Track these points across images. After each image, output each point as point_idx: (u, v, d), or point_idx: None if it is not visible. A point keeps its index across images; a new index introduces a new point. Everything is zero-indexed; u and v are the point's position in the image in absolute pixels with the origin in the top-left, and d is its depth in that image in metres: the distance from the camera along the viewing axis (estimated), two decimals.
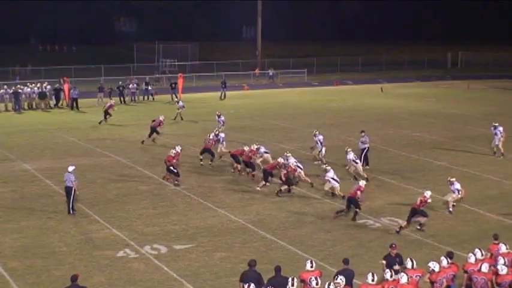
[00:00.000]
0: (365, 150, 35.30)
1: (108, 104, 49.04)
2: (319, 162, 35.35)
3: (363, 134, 35.76)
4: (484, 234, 24.08)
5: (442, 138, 43.60)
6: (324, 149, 35.90)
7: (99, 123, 47.66)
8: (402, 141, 42.15)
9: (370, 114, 53.14)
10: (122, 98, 58.55)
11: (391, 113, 53.75)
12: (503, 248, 19.50)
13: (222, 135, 36.91)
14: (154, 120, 40.91)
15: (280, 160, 31.46)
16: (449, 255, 19.00)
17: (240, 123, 48.38)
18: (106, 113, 48.07)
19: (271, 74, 78.15)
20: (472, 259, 18.74)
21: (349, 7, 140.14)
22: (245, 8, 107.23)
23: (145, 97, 61.17)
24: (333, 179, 29.47)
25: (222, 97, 62.05)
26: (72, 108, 55.38)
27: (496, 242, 20.04)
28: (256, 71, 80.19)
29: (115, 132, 44.93)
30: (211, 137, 35.80)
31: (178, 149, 32.45)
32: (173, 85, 61.59)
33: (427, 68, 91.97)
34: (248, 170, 33.14)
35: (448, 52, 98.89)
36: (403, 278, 17.28)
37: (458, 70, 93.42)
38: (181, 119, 50.01)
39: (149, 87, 61.56)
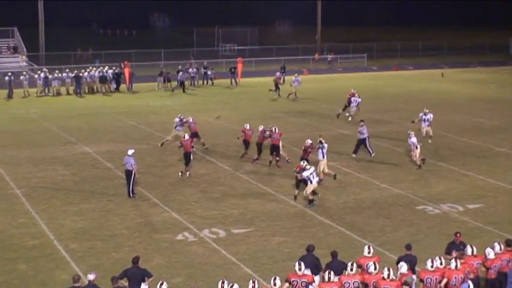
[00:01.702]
0: (365, 140, 33.96)
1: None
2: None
3: (362, 123, 34.31)
4: None
5: (503, 124, 42.94)
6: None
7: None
8: (462, 127, 41.59)
9: (429, 99, 52.52)
10: (180, 83, 58.92)
11: (451, 99, 53.10)
12: None
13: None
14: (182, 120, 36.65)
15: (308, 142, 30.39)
16: (508, 242, 18.72)
17: (299, 107, 48.33)
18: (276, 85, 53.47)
19: (329, 59, 77.79)
20: None
21: None
22: None
23: (205, 81, 61.46)
24: (308, 178, 26.41)
25: (282, 82, 61.96)
26: (183, 90, 56.30)
27: None
28: (316, 55, 79.94)
29: (173, 117, 45.22)
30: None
31: (187, 136, 31.39)
32: (233, 69, 61.73)
33: (488, 53, 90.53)
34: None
35: (511, 37, 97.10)
36: (452, 264, 17.12)
37: None
38: (296, 96, 52.72)
39: (208, 72, 61.81)
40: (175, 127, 35.87)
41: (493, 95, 55.67)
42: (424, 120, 37.42)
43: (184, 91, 56.27)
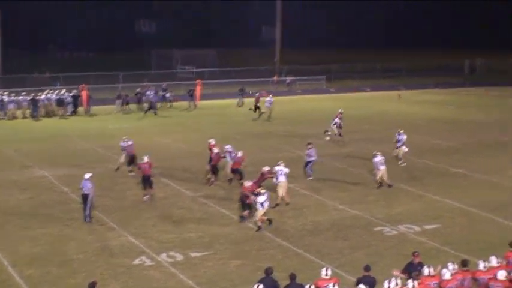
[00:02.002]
0: (310, 164, 34.02)
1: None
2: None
3: (310, 146, 34.43)
4: (501, 242, 23.91)
5: (459, 145, 43.44)
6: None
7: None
8: (421, 148, 41.92)
9: (387, 121, 52.98)
10: (139, 105, 58.73)
11: (409, 120, 53.47)
12: None
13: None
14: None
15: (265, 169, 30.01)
16: (464, 262, 18.91)
17: (258, 129, 48.42)
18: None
19: (288, 81, 78.16)
20: (481, 266, 18.67)
21: (367, 14, 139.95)
22: (264, 12, 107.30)
23: (164, 104, 61.29)
24: (261, 204, 26.25)
25: (240, 104, 62.06)
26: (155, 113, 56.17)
27: None
28: (275, 78, 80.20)
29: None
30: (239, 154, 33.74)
31: (146, 159, 30.86)
32: (191, 92, 61.66)
33: (445, 75, 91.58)
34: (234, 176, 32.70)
35: (466, 59, 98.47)
36: (409, 285, 17.26)
37: (477, 76, 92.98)
38: (270, 116, 53.78)
39: (167, 94, 61.66)
40: (123, 150, 35.75)
41: (451, 116, 56.33)
42: (399, 141, 38.04)
43: (156, 113, 56.22)
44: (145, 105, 57.92)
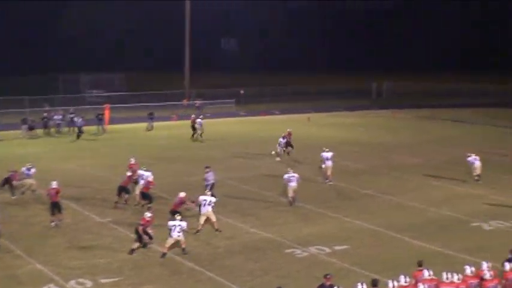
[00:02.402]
0: (209, 187, 33.62)
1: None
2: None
3: (208, 170, 34.49)
4: (409, 261, 24.38)
5: (368, 167, 44.19)
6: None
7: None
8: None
9: (299, 144, 53.46)
10: (46, 130, 57.76)
11: (319, 142, 53.95)
12: (426, 274, 19.88)
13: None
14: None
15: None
16: (374, 282, 19.23)
17: (169, 154, 48.22)
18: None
19: (198, 104, 78.17)
20: (390, 285, 19.05)
21: (276, 37, 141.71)
22: (175, 37, 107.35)
23: (71, 128, 60.29)
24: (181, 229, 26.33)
25: (149, 128, 61.69)
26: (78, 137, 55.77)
27: (420, 268, 20.38)
28: (185, 101, 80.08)
29: (38, 165, 44.15)
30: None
31: (54, 184, 30.43)
32: (100, 116, 60.94)
33: (353, 98, 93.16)
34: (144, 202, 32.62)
35: (373, 82, 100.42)
36: None
37: (383, 100, 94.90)
38: (201, 136, 55.40)
39: (75, 118, 60.66)
40: (27, 175, 35.35)
41: (360, 138, 57.24)
42: (327, 159, 39.37)
43: (78, 137, 55.65)
44: (52, 130, 57.07)
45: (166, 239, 26.27)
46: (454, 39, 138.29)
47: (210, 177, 34.17)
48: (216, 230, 29.10)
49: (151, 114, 63.18)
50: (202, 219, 29.19)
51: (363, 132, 60.96)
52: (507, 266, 20.42)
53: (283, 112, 77.20)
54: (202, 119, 57.55)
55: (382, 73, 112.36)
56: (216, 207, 32.24)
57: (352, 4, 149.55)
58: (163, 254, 25.94)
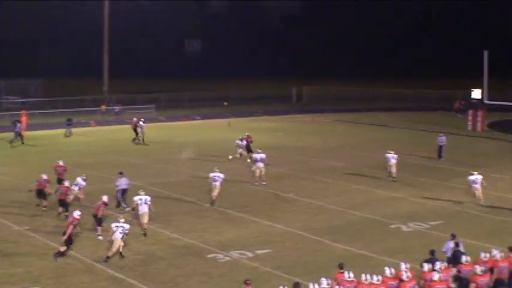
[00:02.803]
0: (121, 192, 33.68)
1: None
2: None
3: (120, 175, 34.26)
4: (330, 264, 24.68)
5: (288, 171, 44.48)
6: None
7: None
8: (250, 174, 42.52)
9: (218, 149, 53.57)
10: None
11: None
12: (346, 276, 20.14)
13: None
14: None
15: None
16: (296, 286, 19.38)
17: (88, 160, 47.62)
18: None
19: (117, 110, 77.49)
20: None
21: (192, 41, 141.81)
22: (92, 42, 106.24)
23: None
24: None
25: (68, 134, 60.82)
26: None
27: (341, 270, 20.62)
28: (103, 107, 79.24)
29: None
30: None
31: None
32: (16, 123, 59.75)
33: (273, 103, 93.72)
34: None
35: (293, 87, 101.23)
36: None
37: (303, 104, 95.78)
38: (143, 141, 55.96)
39: None
40: None
41: (279, 142, 57.58)
42: (257, 160, 39.90)
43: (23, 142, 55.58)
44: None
45: (110, 242, 26.22)
46: (371, 44, 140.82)
47: (122, 182, 33.84)
48: (144, 233, 29.00)
49: (69, 120, 62.28)
50: (144, 219, 29.29)
51: (282, 137, 61.35)
52: (425, 266, 20.84)
53: (204, 117, 77.17)
54: (143, 122, 57.68)
55: (303, 78, 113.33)
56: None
57: (270, 8, 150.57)
58: (107, 258, 25.94)
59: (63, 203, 32.07)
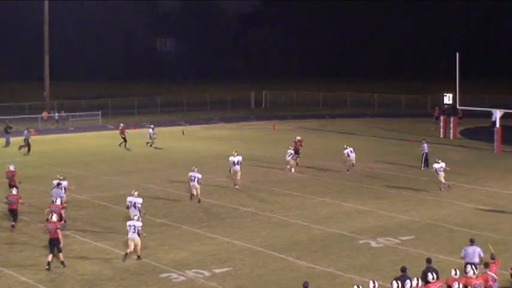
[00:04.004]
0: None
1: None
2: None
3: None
4: (294, 283, 24.78)
5: (248, 183, 44.46)
6: None
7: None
8: (207, 187, 42.47)
9: (170, 159, 53.47)
10: None
11: (195, 157, 54.14)
12: None
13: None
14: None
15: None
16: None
17: (27, 173, 47.12)
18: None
19: (57, 117, 76.91)
20: None
21: (142, 42, 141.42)
22: (32, 45, 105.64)
23: None
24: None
25: (6, 143, 60.19)
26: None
27: None
28: (44, 114, 78.60)
29: None
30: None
31: None
32: None
33: (230, 108, 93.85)
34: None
35: (252, 91, 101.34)
36: None
37: (263, 110, 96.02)
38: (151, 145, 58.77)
39: None
40: None
41: (238, 152, 57.46)
42: (235, 163, 42.18)
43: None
44: None
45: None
46: (332, 46, 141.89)
47: (55, 193, 33.84)
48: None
49: (8, 128, 61.61)
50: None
51: (240, 146, 61.36)
52: (395, 284, 20.97)
53: (155, 125, 76.77)
54: (153, 128, 60.28)
55: (261, 82, 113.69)
56: (83, 230, 31.95)
57: (227, 8, 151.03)
58: (126, 254, 27.90)
59: (13, 212, 32.54)
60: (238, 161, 42.41)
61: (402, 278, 21.55)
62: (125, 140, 59.25)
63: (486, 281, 22.22)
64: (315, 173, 48.36)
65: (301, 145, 51.45)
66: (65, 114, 78.04)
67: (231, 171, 42.77)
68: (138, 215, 30.21)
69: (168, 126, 75.78)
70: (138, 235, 28.11)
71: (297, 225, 34.32)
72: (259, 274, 27.05)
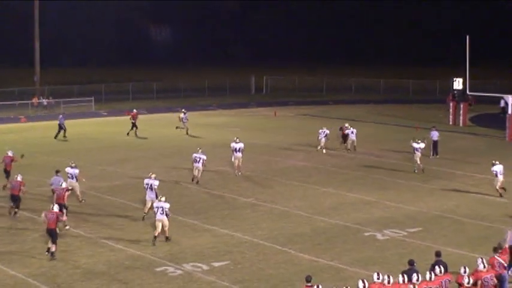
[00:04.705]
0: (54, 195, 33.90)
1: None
2: None
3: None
4: (296, 277, 24.79)
5: (248, 172, 44.45)
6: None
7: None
8: (203, 176, 42.43)
9: (167, 147, 53.45)
10: None
11: (189, 145, 54.09)
12: None
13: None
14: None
15: None
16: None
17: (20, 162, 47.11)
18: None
19: (45, 103, 76.82)
20: None
21: (140, 27, 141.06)
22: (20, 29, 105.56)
23: None
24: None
25: None
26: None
27: (309, 284, 20.64)
28: (35, 100, 78.49)
29: None
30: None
31: None
32: None
33: (229, 95, 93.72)
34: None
35: (252, 76, 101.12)
36: None
37: (264, 96, 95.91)
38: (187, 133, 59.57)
39: None
40: None
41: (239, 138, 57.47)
42: (236, 150, 43.26)
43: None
44: None
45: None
46: (336, 30, 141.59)
47: (55, 182, 34.23)
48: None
49: None
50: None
51: (240, 133, 61.16)
52: (400, 278, 20.95)
53: (151, 111, 76.77)
54: (185, 113, 60.66)
55: (262, 67, 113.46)
56: (76, 222, 31.99)
57: None
58: (155, 238, 29.53)
59: (15, 199, 33.18)
60: (240, 148, 43.14)
61: (410, 271, 21.54)
62: (136, 127, 59.16)
63: (493, 266, 22.27)
64: (316, 161, 48.31)
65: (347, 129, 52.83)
66: (53, 100, 77.85)
67: (233, 159, 43.29)
68: (155, 198, 32.04)
69: (164, 113, 75.69)
70: (167, 215, 29.59)
71: (299, 217, 34.30)
72: (259, 268, 27.04)
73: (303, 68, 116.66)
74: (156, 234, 29.56)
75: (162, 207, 29.55)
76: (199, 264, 27.17)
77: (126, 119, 66.10)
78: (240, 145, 43.25)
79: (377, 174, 43.52)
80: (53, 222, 27.68)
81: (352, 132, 51.03)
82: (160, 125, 66.72)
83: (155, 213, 29.80)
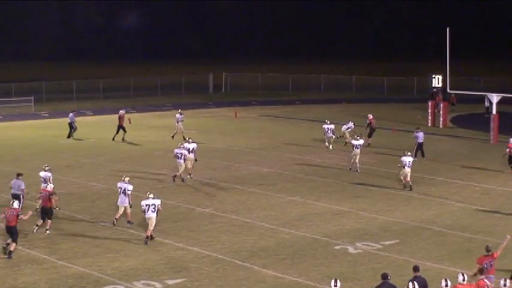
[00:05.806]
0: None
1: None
2: None
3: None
4: None
5: (205, 179, 44.47)
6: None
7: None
8: (156, 184, 42.37)
9: (116, 152, 53.26)
10: None
11: (145, 150, 54.06)
12: None
13: None
14: None
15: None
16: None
17: None
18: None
19: None
20: None
21: (87, 19, 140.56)
22: None
23: None
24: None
25: None
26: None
27: None
28: None
29: None
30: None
31: None
32: None
33: (185, 93, 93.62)
34: None
35: (210, 73, 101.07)
36: None
37: (223, 95, 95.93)
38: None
39: None
40: None
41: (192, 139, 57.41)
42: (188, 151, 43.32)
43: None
44: None
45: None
46: (301, 23, 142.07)
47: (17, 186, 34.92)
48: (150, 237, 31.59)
49: None
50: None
51: (197, 136, 61.17)
52: None
53: (97, 113, 76.52)
54: (181, 113, 60.76)
55: (220, 63, 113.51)
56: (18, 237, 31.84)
57: None
58: (147, 238, 31.37)
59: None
60: (192, 148, 43.87)
61: (383, 286, 21.68)
62: (124, 130, 58.84)
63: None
64: (281, 167, 48.39)
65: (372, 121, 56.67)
66: None
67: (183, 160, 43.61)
68: (127, 203, 33.53)
69: (112, 114, 75.34)
70: (157, 214, 31.52)
71: (262, 229, 34.36)
72: (218, 285, 27.06)
73: (265, 64, 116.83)
74: (149, 234, 31.31)
75: (154, 205, 31.31)
76: (152, 282, 27.13)
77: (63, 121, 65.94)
78: (193, 145, 44.03)
79: (348, 180, 43.69)
80: (13, 219, 27.61)
81: (329, 130, 55.60)
82: (107, 127, 66.39)
83: (145, 212, 31.39)
